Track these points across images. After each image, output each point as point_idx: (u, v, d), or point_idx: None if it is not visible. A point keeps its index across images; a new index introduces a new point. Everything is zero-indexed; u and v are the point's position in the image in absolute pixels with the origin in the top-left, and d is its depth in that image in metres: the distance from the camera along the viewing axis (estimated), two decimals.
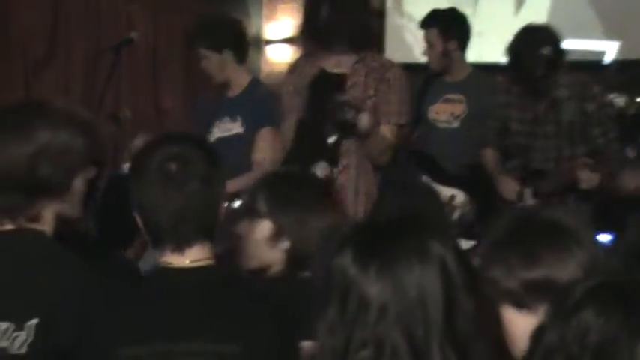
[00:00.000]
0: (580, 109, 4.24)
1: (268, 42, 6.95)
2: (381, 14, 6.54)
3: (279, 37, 6.87)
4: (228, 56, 4.52)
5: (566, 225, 1.68)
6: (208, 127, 4.69)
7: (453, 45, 4.80)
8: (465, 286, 1.52)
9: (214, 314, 1.93)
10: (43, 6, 5.38)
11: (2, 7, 5.15)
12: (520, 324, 1.63)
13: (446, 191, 4.56)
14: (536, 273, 1.62)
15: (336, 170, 3.83)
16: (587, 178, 4.09)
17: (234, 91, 4.65)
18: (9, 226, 2.11)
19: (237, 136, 4.58)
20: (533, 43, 4.19)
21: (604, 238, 4.59)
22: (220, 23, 4.63)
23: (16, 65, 5.13)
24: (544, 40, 4.19)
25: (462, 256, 1.55)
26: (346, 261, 1.52)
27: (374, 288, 1.49)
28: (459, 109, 4.80)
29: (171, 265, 1.98)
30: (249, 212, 2.46)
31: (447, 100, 4.85)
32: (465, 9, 5.27)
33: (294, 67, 4.06)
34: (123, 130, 4.66)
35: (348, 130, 3.73)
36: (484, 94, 4.73)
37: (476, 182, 4.59)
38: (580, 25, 5.99)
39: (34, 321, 2.02)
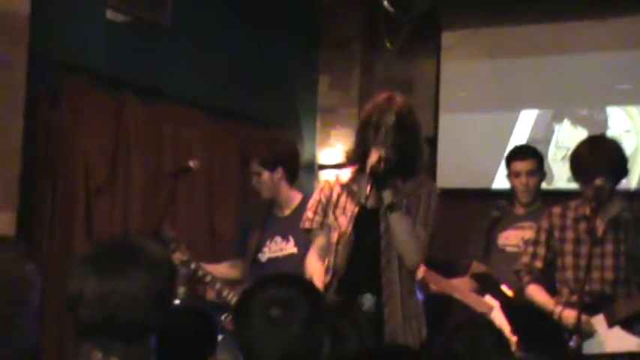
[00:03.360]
0: None
1: (322, 167, 7.06)
2: (433, 141, 6.62)
3: (331, 162, 6.98)
4: (279, 174, 4.58)
5: None
6: (258, 247, 4.71)
7: (544, 176, 5.11)
8: None
9: None
10: (105, 132, 5.51)
11: (66, 131, 5.29)
12: None
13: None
14: None
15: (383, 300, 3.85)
16: None
17: (285, 210, 4.68)
18: None
19: (290, 256, 4.60)
20: (587, 174, 4.17)
21: None
22: (275, 142, 4.71)
23: (78, 189, 5.23)
24: (598, 169, 4.14)
25: None
26: None
27: None
28: (529, 234, 4.79)
29: None
30: None
31: (518, 227, 4.91)
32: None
33: (330, 192, 4.03)
34: (167, 249, 4.64)
35: (380, 181, 3.77)
36: None
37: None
38: None
39: None
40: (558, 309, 4.18)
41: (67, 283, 2.10)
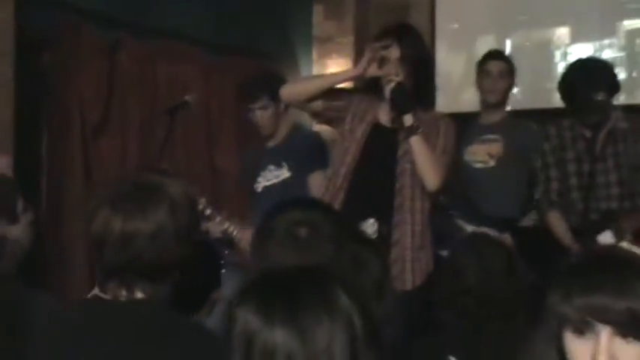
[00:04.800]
0: None
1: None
2: None
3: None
4: (282, 107, 4.62)
5: (632, 261, 1.63)
6: (254, 180, 4.76)
7: (513, 84, 4.89)
8: (367, 339, 1.47)
9: None
10: (99, 71, 5.47)
11: (60, 72, 5.26)
12: (578, 349, 1.59)
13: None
14: (592, 300, 1.57)
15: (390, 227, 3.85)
16: None
17: (277, 139, 4.73)
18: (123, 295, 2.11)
19: (284, 181, 4.63)
20: (588, 89, 4.12)
21: None
22: (275, 76, 4.75)
23: (73, 130, 5.21)
24: (599, 84, 4.12)
25: (366, 307, 1.50)
26: (249, 312, 1.47)
27: (279, 338, 1.43)
28: (496, 148, 4.75)
29: None
30: None
31: (484, 141, 4.81)
32: None
33: (350, 104, 4.05)
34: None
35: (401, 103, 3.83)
36: (520, 134, 4.70)
37: (510, 223, 4.47)
38: None
39: None
40: (575, 247, 4.12)
41: (91, 225, 2.12)
